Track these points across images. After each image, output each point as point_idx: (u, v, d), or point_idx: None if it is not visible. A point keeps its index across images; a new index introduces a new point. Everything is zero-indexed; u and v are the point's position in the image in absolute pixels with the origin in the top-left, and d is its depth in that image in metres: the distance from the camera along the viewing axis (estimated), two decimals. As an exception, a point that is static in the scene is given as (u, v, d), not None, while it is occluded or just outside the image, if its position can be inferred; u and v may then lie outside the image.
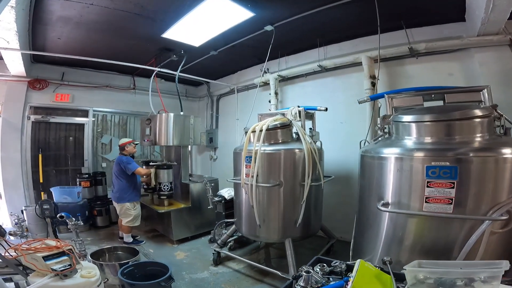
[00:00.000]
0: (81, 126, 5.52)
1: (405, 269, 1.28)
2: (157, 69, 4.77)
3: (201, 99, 7.23)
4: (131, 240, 4.15)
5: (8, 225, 4.04)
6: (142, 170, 4.18)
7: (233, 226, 3.59)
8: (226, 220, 3.90)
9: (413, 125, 2.00)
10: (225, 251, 3.57)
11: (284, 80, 4.99)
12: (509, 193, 1.63)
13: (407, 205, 1.87)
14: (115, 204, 4.14)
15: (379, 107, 3.44)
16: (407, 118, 2.05)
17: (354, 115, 4.01)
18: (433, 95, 2.42)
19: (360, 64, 3.88)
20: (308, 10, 3.26)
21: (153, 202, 4.66)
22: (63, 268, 1.71)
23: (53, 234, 3.61)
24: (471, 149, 1.72)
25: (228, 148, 5.63)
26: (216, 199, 4.00)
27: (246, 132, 3.24)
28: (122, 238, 4.20)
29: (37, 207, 3.67)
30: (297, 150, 3.01)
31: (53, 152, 5.22)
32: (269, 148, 3.02)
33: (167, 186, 4.35)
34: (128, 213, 4.03)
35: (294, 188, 3.01)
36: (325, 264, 1.52)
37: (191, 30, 3.69)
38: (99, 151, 5.84)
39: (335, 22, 3.65)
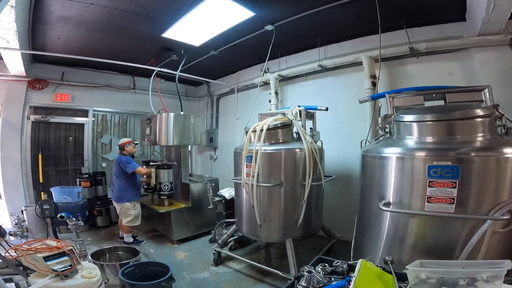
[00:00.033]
0: (81, 126, 5.51)
1: (407, 269, 1.28)
2: (157, 68, 4.76)
3: (201, 99, 7.23)
4: (131, 240, 4.14)
5: (8, 225, 4.03)
6: (142, 169, 4.19)
7: (234, 226, 3.59)
8: (226, 220, 3.89)
9: (415, 125, 2.00)
10: (225, 251, 3.57)
11: (284, 79, 4.99)
12: (511, 193, 1.63)
13: (409, 204, 1.87)
14: (115, 204, 4.14)
15: (380, 107, 3.44)
16: (408, 117, 2.05)
17: (354, 114, 4.01)
18: (434, 95, 2.42)
19: (360, 64, 3.87)
20: (308, 10, 3.26)
21: (153, 202, 4.65)
22: (64, 269, 1.70)
23: (53, 234, 3.61)
24: (473, 148, 1.72)
25: (228, 148, 5.63)
26: (217, 199, 4.00)
27: (246, 132, 3.24)
28: (122, 238, 4.19)
29: (37, 207, 3.67)
30: (297, 150, 3.01)
31: (53, 152, 5.21)
32: (269, 148, 3.02)
33: (167, 186, 4.34)
34: (128, 212, 4.02)
35: (295, 188, 3.01)
36: (326, 264, 1.52)
37: (191, 30, 3.68)
38: (99, 151, 5.83)
39: (335, 22, 3.65)
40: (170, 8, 3.17)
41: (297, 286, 1.34)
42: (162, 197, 4.36)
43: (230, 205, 3.99)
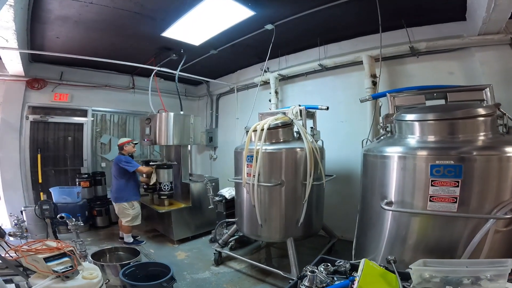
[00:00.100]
0: (80, 126, 5.48)
1: (411, 268, 1.28)
2: (156, 68, 4.75)
3: (201, 98, 7.21)
4: (131, 240, 4.13)
5: (7, 226, 4.01)
6: (143, 168, 4.20)
7: (234, 226, 3.59)
8: (227, 219, 3.88)
9: (416, 124, 2.00)
10: (226, 251, 3.56)
11: (285, 79, 4.98)
12: (513, 192, 1.63)
13: (411, 204, 1.86)
14: (114, 204, 4.12)
15: (380, 106, 3.44)
16: (410, 117, 2.04)
17: (355, 114, 4.01)
18: (435, 94, 2.42)
19: (360, 63, 3.87)
20: (308, 9, 3.25)
21: (153, 202, 4.64)
22: (64, 270, 1.69)
23: (53, 234, 3.59)
24: (475, 147, 1.72)
25: (228, 147, 5.63)
26: (217, 198, 3.99)
27: (247, 131, 3.23)
28: (122, 238, 4.18)
29: (37, 207, 3.65)
30: (298, 149, 3.00)
31: (52, 152, 5.19)
32: (270, 147, 3.01)
33: (167, 185, 4.33)
34: (126, 212, 4.01)
35: (295, 187, 3.01)
36: (329, 264, 1.52)
37: (191, 29, 3.67)
38: (98, 151, 5.81)
39: (335, 21, 3.65)
40: (170, 8, 3.15)
41: (300, 286, 1.33)
42: (162, 197, 4.35)
43: (230, 205, 3.98)
